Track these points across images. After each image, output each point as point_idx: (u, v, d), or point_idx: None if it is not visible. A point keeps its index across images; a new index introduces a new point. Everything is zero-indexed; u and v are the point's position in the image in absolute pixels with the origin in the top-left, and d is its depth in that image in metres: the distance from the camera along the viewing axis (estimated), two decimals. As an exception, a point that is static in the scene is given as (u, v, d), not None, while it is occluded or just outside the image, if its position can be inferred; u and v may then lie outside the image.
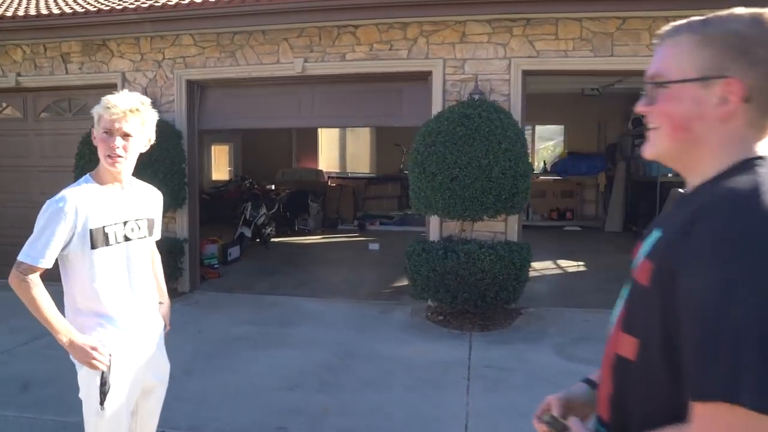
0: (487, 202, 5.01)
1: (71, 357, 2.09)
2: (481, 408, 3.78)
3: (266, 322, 5.70)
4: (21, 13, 6.67)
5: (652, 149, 1.07)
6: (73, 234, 2.03)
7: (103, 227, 2.10)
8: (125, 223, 2.17)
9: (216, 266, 8.14)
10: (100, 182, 2.16)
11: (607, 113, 12.81)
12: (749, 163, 0.93)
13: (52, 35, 6.86)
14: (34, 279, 2.00)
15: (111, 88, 6.96)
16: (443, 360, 4.66)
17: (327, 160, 14.20)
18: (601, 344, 4.03)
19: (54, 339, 4.81)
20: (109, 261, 2.12)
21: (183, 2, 6.14)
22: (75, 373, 4.12)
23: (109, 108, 2.07)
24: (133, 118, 2.10)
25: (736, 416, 0.78)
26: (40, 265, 2.00)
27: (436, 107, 6.11)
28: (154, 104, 6.70)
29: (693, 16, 1.01)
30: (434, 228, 6.20)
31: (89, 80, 7.10)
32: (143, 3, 6.35)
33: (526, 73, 6.05)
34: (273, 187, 12.78)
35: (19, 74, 7.30)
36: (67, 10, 6.54)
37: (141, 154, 6.08)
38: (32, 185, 7.70)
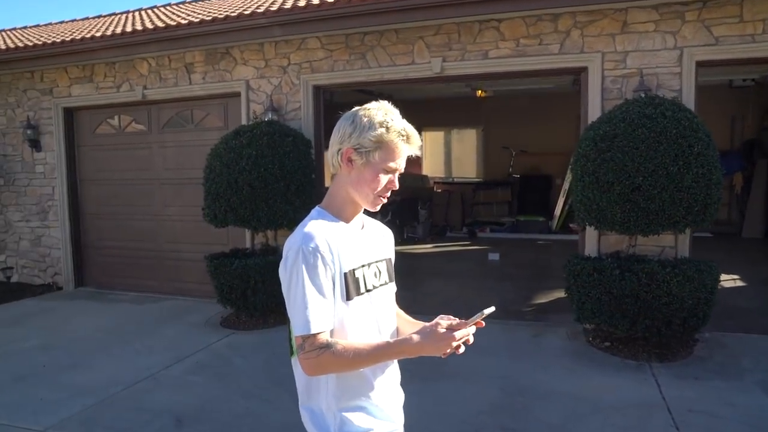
0: (676, 214, 4.30)
1: None
2: (712, 470, 3.12)
3: (410, 346, 5.23)
4: (149, 25, 6.57)
5: None
6: (333, 281, 1.58)
7: (353, 270, 1.63)
8: (369, 265, 1.70)
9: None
10: (344, 218, 1.69)
11: (742, 105, 11.55)
12: None
13: (177, 46, 6.73)
14: (328, 344, 1.53)
15: (234, 96, 6.85)
16: (633, 400, 4.00)
17: (431, 165, 13.67)
18: None
19: (192, 364, 4.44)
20: (362, 315, 1.65)
21: (313, 2, 5.80)
22: (223, 411, 3.79)
23: (410, 141, 1.63)
24: None
25: None
26: (320, 330, 1.54)
27: (593, 106, 5.45)
28: (279, 112, 6.38)
29: None
30: (591, 242, 5.53)
31: (212, 90, 6.94)
32: (270, 6, 6.07)
33: (701, 65, 5.27)
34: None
35: (145, 87, 7.26)
36: (194, 19, 6.37)
37: (273, 165, 5.70)
38: (155, 197, 7.68)
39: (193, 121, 7.38)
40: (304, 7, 5.76)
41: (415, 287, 7.37)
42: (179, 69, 7.08)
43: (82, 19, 10.62)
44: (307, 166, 5.98)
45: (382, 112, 1.63)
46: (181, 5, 9.74)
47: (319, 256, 1.54)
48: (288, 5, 5.93)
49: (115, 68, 7.48)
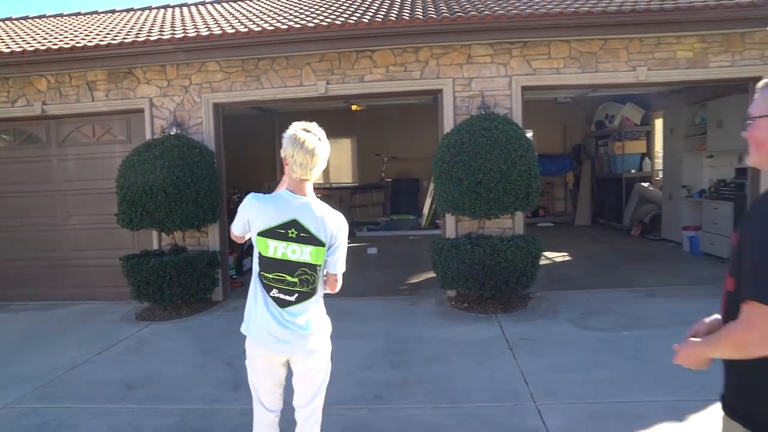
0: (507, 201, 5.84)
1: None
2: (530, 368, 4.59)
3: (311, 319, 6.32)
4: (54, 46, 7.08)
5: (748, 159, 1.83)
6: None
7: None
8: None
9: (234, 276, 8.69)
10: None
11: (571, 117, 13.96)
12: None
13: (81, 66, 7.28)
14: None
15: (138, 112, 7.57)
16: (483, 337, 5.45)
17: (311, 172, 14.79)
18: (605, 316, 5.19)
19: (123, 349, 5.29)
20: None
21: (215, 33, 6.73)
22: (166, 376, 4.65)
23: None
24: None
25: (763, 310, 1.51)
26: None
27: (448, 121, 6.91)
28: (183, 126, 7.27)
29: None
30: (450, 227, 6.98)
31: (116, 106, 7.56)
32: (176, 34, 6.90)
33: (525, 89, 6.93)
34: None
35: (44, 103, 7.67)
36: (101, 42, 7.00)
37: (184, 173, 6.56)
38: (57, 208, 8.05)
39: (95, 135, 7.90)
40: (207, 37, 6.67)
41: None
42: (81, 86, 7.61)
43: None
44: (213, 174, 6.87)
45: (293, 129, 2.64)
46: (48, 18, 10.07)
47: None
48: (192, 33, 6.80)
49: (9, 83, 7.79)
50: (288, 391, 2.90)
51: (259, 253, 2.64)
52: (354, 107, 12.00)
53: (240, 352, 2.92)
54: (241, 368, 4.94)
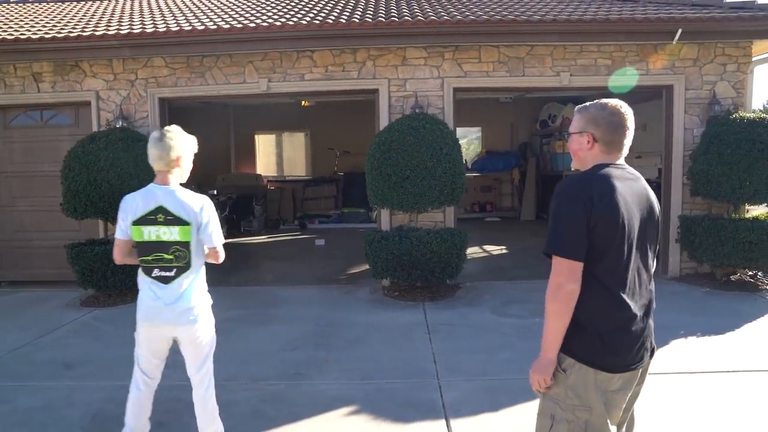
0: (432, 195, 6.26)
1: None
2: (442, 350, 5.03)
3: (251, 306, 6.65)
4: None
5: (573, 164, 2.29)
6: None
7: None
8: None
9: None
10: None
11: (518, 116, 14.54)
12: (599, 167, 2.14)
13: (26, 58, 7.42)
14: None
15: (85, 105, 7.74)
16: (406, 323, 5.87)
17: (264, 165, 15.05)
18: (524, 305, 5.77)
19: (65, 332, 5.63)
20: None
21: (160, 30, 6.96)
22: (104, 357, 4.93)
23: (153, 144, 3.02)
24: None
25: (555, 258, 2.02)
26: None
27: (383, 119, 7.31)
28: (129, 119, 7.49)
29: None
30: (385, 220, 7.39)
31: (62, 98, 7.72)
32: (121, 29, 7.10)
33: (456, 90, 7.37)
34: (215, 192, 13.46)
35: (-12, 92, 7.77)
36: (46, 35, 7.15)
37: (128, 165, 6.75)
38: (2, 190, 8.15)
39: (42, 119, 8.01)
40: (152, 33, 6.89)
41: (256, 267, 8.76)
42: (26, 77, 7.72)
43: None
44: (157, 166, 7.11)
45: (153, 132, 3.05)
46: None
47: None
48: (137, 30, 7.01)
49: (-51, 72, 7.86)
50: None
51: (136, 242, 3.03)
52: (303, 103, 12.31)
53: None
54: (175, 346, 5.30)
